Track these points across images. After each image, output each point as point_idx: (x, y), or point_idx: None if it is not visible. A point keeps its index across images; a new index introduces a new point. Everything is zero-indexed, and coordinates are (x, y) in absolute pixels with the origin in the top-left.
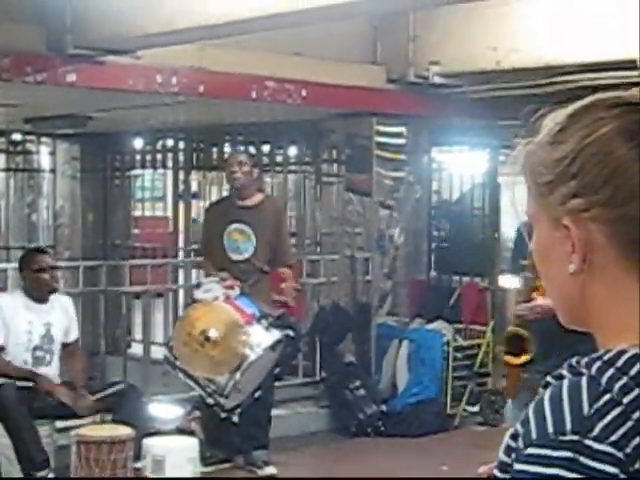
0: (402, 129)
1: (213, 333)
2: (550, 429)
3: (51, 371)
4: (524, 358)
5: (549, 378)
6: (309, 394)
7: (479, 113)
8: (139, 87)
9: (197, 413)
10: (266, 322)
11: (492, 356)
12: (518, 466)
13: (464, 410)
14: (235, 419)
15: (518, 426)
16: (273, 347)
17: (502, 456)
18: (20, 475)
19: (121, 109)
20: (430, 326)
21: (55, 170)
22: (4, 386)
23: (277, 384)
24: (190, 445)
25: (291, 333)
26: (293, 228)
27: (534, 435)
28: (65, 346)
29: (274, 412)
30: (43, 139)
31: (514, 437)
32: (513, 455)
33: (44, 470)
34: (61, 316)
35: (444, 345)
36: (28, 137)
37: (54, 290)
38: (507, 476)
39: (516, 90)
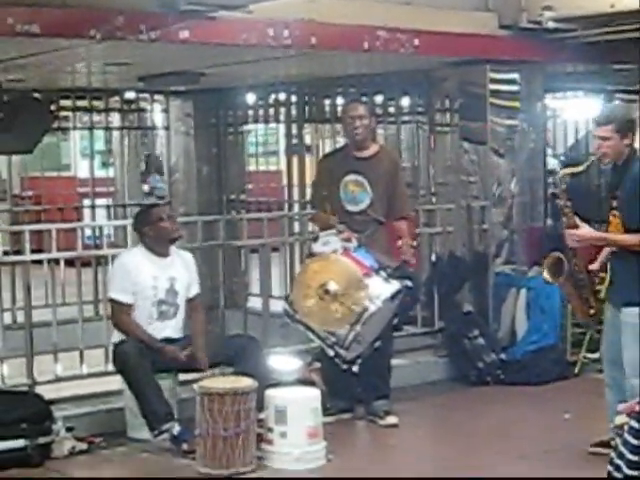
0: (515, 76)
1: (332, 286)
2: None
3: (176, 324)
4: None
5: None
6: (428, 344)
7: (593, 57)
8: (252, 41)
9: (317, 364)
10: (385, 273)
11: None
12: None
13: (584, 357)
14: (355, 369)
15: None
16: (392, 298)
17: None
18: (145, 427)
19: (233, 64)
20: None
21: (169, 127)
22: (125, 342)
23: (396, 334)
24: (312, 396)
25: (409, 283)
26: (408, 178)
27: None
28: (187, 301)
29: (393, 362)
30: (156, 97)
31: None
32: None
33: (169, 422)
34: (183, 270)
35: (566, 303)
36: (141, 95)
37: (177, 238)
38: None
39: (631, 33)
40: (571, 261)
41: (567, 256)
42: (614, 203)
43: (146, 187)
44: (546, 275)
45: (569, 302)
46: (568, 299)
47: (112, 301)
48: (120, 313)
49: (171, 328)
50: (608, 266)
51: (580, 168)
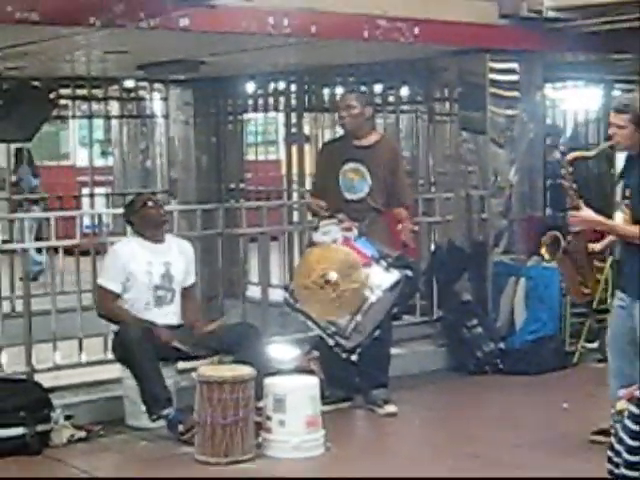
0: (515, 65)
1: (332, 276)
2: None
3: (173, 309)
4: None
5: None
6: (427, 333)
7: (593, 47)
8: (251, 30)
9: (315, 353)
10: (385, 263)
11: (611, 292)
12: None
13: (583, 347)
14: (355, 358)
15: None
16: (392, 288)
17: None
18: (144, 415)
19: (233, 53)
20: (547, 263)
21: (168, 116)
22: (128, 327)
23: (395, 323)
24: (311, 384)
25: (410, 273)
26: (407, 168)
27: None
28: (182, 290)
29: (392, 351)
30: (156, 85)
31: None
32: None
33: (167, 409)
34: (179, 257)
35: (562, 282)
36: (141, 84)
37: (163, 223)
38: None
39: (631, 22)
40: (570, 241)
41: (565, 235)
42: (627, 192)
43: (14, 177)
44: (544, 253)
45: (565, 281)
46: (564, 278)
47: (100, 288)
48: (106, 300)
49: (170, 314)
50: (617, 254)
51: (591, 153)
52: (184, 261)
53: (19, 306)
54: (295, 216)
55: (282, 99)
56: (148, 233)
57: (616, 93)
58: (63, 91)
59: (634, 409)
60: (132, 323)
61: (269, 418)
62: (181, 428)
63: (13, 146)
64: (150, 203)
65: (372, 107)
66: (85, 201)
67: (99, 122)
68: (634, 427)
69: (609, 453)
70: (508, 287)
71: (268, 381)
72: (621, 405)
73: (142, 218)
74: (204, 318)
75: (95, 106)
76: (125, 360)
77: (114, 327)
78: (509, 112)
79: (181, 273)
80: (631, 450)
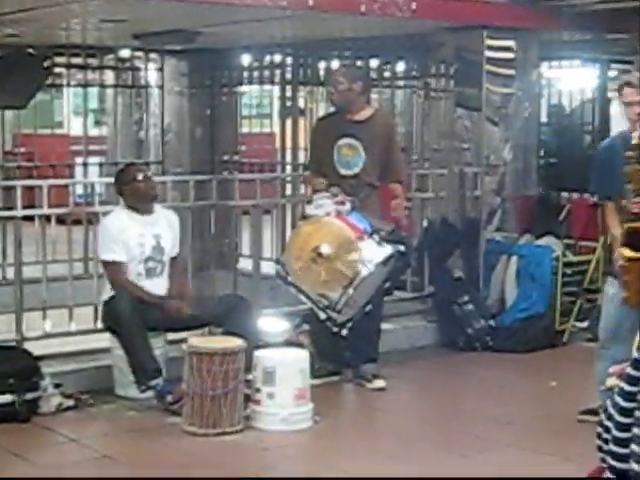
0: (512, 43)
1: (325, 249)
2: None
3: (162, 282)
4: None
5: None
6: (418, 309)
7: (590, 26)
8: (248, 1)
9: (306, 326)
10: (378, 237)
11: (602, 272)
12: None
13: (573, 326)
14: (345, 333)
15: None
16: (385, 262)
17: (636, 354)
18: (133, 385)
19: (229, 24)
20: (539, 242)
21: (163, 86)
22: (118, 297)
23: (386, 299)
24: (301, 357)
25: (402, 248)
26: (401, 143)
27: None
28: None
29: (383, 326)
30: (151, 55)
31: None
32: None
33: (156, 379)
34: (167, 228)
35: (553, 261)
36: (136, 53)
37: (154, 197)
38: None
39: (628, 2)
40: None
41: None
42: None
43: None
44: (622, 251)
45: (627, 285)
46: (628, 282)
47: (104, 263)
48: (115, 273)
49: (159, 286)
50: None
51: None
52: (172, 232)
53: (10, 273)
54: (288, 189)
55: (277, 72)
56: (139, 205)
57: (612, 73)
58: (58, 59)
59: (625, 386)
60: (122, 293)
61: (258, 390)
62: (170, 399)
63: None
64: (140, 176)
65: (364, 82)
66: (78, 170)
67: (93, 91)
68: (624, 404)
69: (598, 429)
70: (500, 265)
71: (258, 353)
72: (612, 382)
73: (133, 190)
74: (193, 289)
75: (90, 75)
76: (114, 330)
77: (105, 296)
78: (505, 90)
79: (170, 244)
80: (620, 427)
